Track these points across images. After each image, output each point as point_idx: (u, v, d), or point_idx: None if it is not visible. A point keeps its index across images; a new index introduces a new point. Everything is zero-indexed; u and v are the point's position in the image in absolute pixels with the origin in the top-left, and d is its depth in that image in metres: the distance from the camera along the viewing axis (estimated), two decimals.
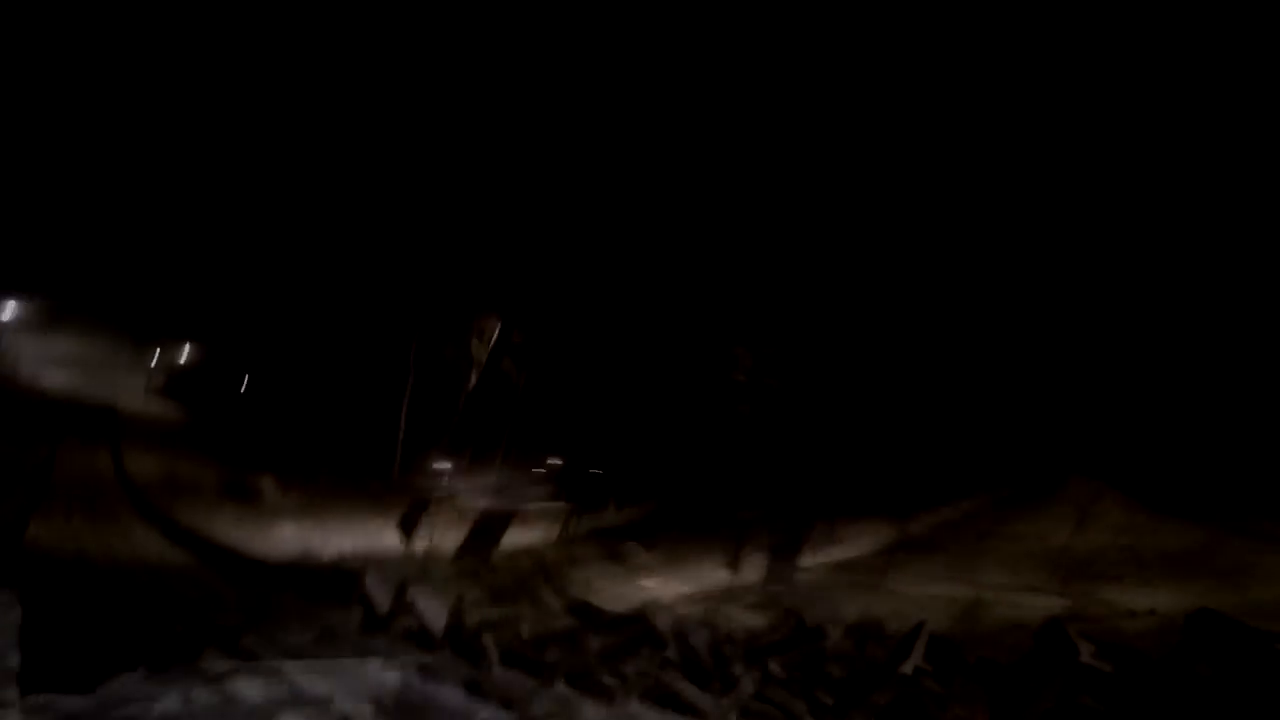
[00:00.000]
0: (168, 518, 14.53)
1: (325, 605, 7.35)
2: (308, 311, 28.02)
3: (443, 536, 14.22)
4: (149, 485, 19.18)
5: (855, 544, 15.12)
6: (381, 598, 6.78)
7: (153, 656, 4.89)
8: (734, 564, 14.83)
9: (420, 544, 13.52)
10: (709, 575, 14.22)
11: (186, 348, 35.36)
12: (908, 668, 5.80)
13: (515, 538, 15.04)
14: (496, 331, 16.18)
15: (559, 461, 18.40)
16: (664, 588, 13.89)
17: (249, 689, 4.46)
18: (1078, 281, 14.99)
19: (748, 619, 6.56)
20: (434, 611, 5.86)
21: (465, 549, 11.91)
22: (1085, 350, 15.27)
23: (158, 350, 35.50)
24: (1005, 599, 7.39)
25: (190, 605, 7.43)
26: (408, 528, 14.30)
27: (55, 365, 32.44)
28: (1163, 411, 13.65)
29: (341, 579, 8.49)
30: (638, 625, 6.78)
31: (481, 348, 16.84)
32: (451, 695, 4.13)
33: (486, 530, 12.57)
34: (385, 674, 4.51)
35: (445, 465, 18.14)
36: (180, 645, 5.26)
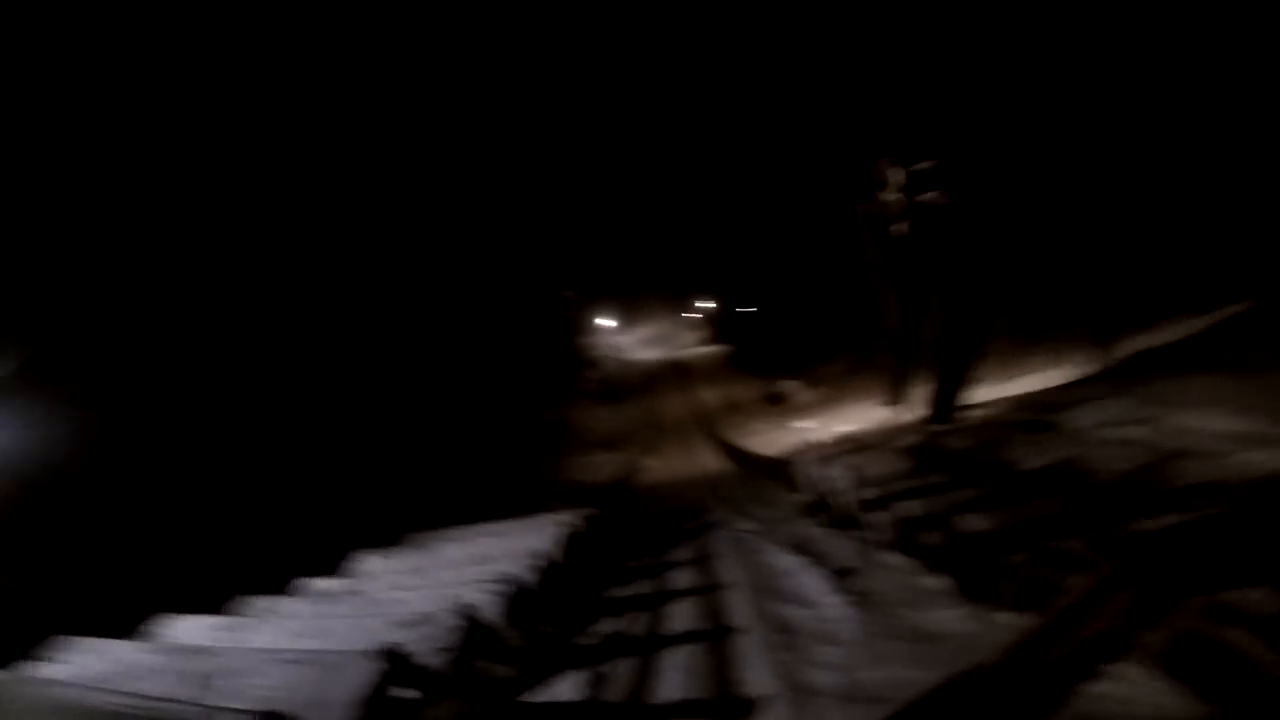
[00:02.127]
0: (719, 435, 18.81)
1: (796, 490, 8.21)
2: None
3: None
4: (713, 413, 25.21)
5: (1044, 374, 12.17)
6: (803, 479, 7.18)
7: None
8: (898, 400, 14.01)
9: (903, 414, 12.98)
10: (872, 414, 14.17)
11: (711, 304, 44.37)
12: None
13: (1012, 387, 12.72)
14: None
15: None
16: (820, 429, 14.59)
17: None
18: None
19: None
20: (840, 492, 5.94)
21: (934, 412, 10.73)
22: None
23: (695, 310, 45.97)
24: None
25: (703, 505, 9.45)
26: (894, 400, 13.91)
27: (642, 345, 46.67)
28: None
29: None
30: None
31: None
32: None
33: (958, 383, 10.93)
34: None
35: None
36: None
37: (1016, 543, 3.52)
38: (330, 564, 6.24)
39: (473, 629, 3.96)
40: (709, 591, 4.87)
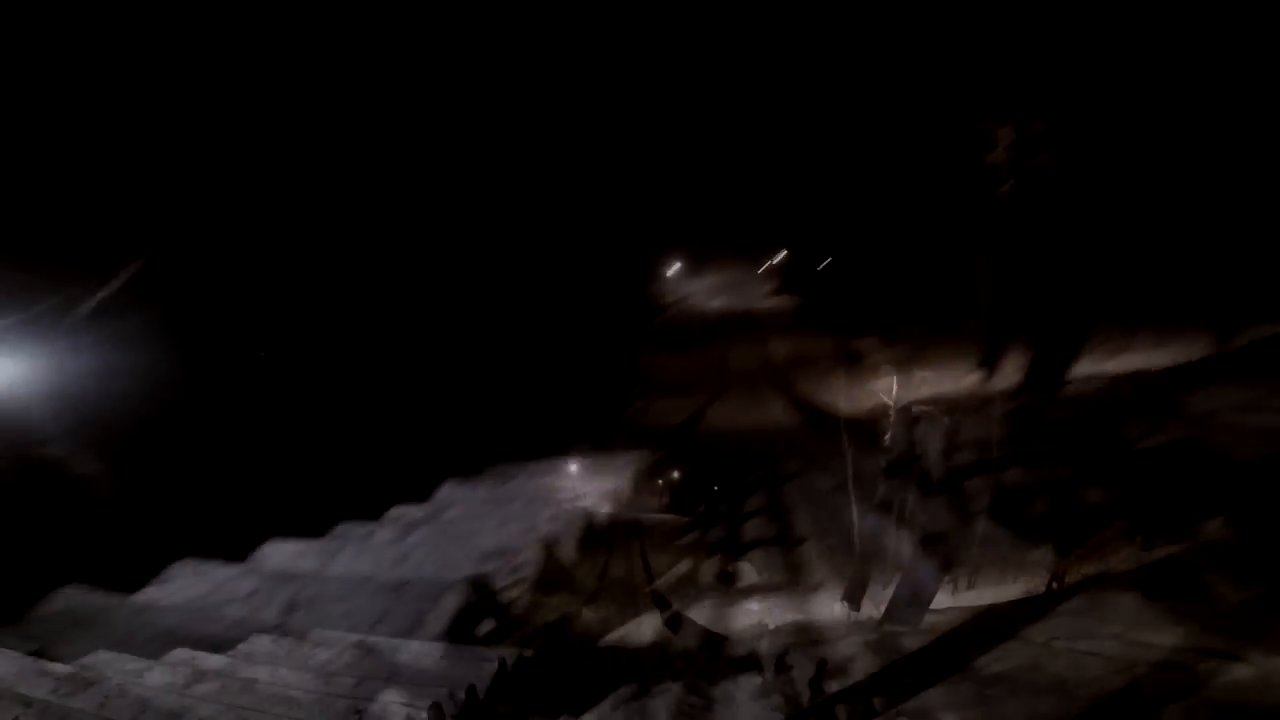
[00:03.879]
0: (789, 389, 18.40)
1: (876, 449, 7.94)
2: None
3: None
4: (782, 365, 24.56)
5: (1148, 355, 10.58)
6: (887, 438, 6.89)
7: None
8: (988, 366, 12.64)
9: (993, 382, 12.21)
10: (958, 379, 13.02)
11: (783, 254, 42.55)
12: None
13: (1112, 365, 11.64)
14: None
15: None
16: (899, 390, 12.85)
17: None
18: None
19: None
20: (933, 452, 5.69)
21: (1029, 381, 9.96)
22: None
23: (766, 263, 44.35)
24: None
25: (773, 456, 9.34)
26: (983, 366, 13.12)
27: (708, 293, 45.76)
28: None
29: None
30: None
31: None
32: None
33: (1060, 355, 10.02)
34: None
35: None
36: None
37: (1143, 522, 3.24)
38: (421, 491, 6.74)
39: (549, 562, 4.10)
40: (784, 544, 4.82)
